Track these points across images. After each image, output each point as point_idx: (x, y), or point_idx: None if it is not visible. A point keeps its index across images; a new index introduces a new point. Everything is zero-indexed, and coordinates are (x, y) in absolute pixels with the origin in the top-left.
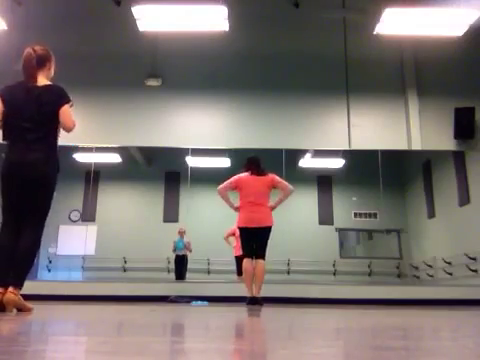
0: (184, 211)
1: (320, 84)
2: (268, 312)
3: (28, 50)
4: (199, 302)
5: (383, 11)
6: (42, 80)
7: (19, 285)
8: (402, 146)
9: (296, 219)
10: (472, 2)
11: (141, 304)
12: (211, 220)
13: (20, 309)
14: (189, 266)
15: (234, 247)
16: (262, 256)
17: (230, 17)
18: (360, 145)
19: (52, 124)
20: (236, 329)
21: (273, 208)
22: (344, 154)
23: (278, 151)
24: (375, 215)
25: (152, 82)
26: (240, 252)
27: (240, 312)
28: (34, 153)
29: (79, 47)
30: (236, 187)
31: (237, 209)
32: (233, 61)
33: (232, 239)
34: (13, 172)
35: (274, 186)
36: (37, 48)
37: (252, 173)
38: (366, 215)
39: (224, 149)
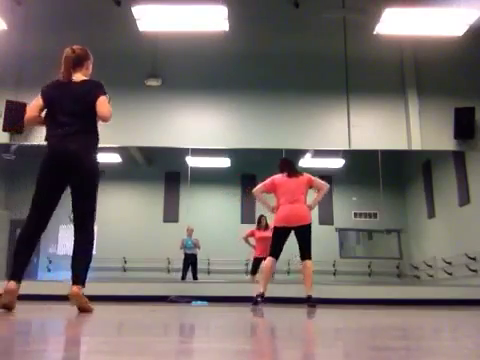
0: (184, 211)
1: (320, 84)
2: (268, 312)
3: (67, 50)
4: (199, 302)
5: (383, 11)
6: (79, 77)
7: (81, 283)
8: (402, 146)
9: None
10: (472, 2)
11: (141, 304)
12: (211, 220)
13: (82, 309)
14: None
15: (255, 248)
16: (309, 256)
17: (230, 17)
18: (360, 145)
19: (90, 116)
20: (237, 329)
21: (311, 208)
22: (344, 154)
23: (278, 151)
24: (375, 215)
25: (152, 82)
26: (260, 254)
27: (241, 312)
28: (73, 144)
29: None
30: (271, 188)
31: (274, 210)
32: (233, 61)
33: (252, 240)
34: (55, 163)
35: (310, 186)
36: (76, 48)
37: (287, 174)
38: (366, 215)
39: (224, 149)
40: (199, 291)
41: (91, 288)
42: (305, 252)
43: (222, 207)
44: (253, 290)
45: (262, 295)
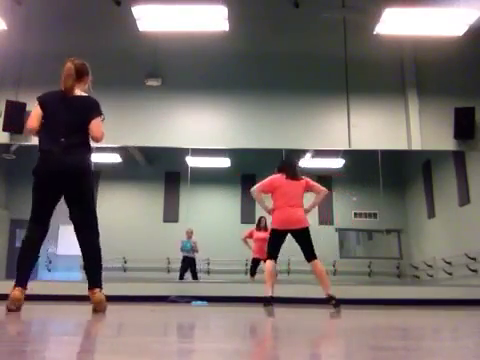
0: (184, 211)
1: (320, 84)
2: (267, 312)
3: (68, 63)
4: (199, 302)
5: (383, 11)
6: (78, 91)
7: (100, 286)
8: (402, 146)
9: None
10: (472, 2)
11: (141, 304)
12: (211, 220)
13: (101, 310)
14: None
15: (253, 250)
16: (314, 256)
17: (230, 17)
18: (360, 145)
19: (86, 131)
20: (236, 329)
21: (307, 212)
22: (344, 154)
23: (278, 151)
24: (375, 215)
25: (152, 82)
26: (258, 255)
27: (240, 312)
28: (69, 157)
29: (79, 47)
30: (270, 190)
31: (271, 212)
32: (233, 61)
33: (250, 241)
34: (54, 175)
35: (308, 189)
36: (77, 62)
37: (287, 176)
38: (366, 215)
39: (224, 149)
40: (199, 291)
41: None
42: (309, 253)
43: (222, 207)
44: (255, 290)
45: (271, 298)
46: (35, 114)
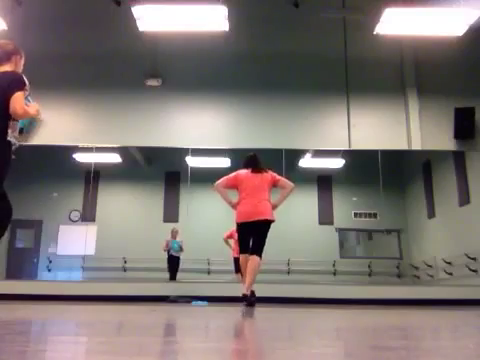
0: (184, 211)
1: (320, 84)
2: (268, 312)
3: None
4: (199, 302)
5: (383, 11)
6: (4, 69)
7: None
8: (402, 146)
9: (296, 219)
10: (472, 2)
11: (141, 304)
12: (211, 220)
13: None
14: (189, 266)
15: (233, 249)
16: (258, 252)
17: (230, 17)
18: (360, 145)
19: (3, 108)
20: (236, 329)
21: (276, 207)
22: (344, 154)
23: (278, 151)
24: (375, 215)
25: (152, 82)
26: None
27: (240, 312)
28: None
29: (79, 47)
30: (234, 184)
31: (235, 206)
32: (233, 61)
33: (231, 241)
34: None
35: (274, 184)
36: (2, 42)
37: (252, 170)
38: (366, 215)
39: (224, 149)
40: (199, 291)
41: (91, 288)
42: (257, 248)
43: (222, 207)
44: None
45: (252, 293)
46: None
